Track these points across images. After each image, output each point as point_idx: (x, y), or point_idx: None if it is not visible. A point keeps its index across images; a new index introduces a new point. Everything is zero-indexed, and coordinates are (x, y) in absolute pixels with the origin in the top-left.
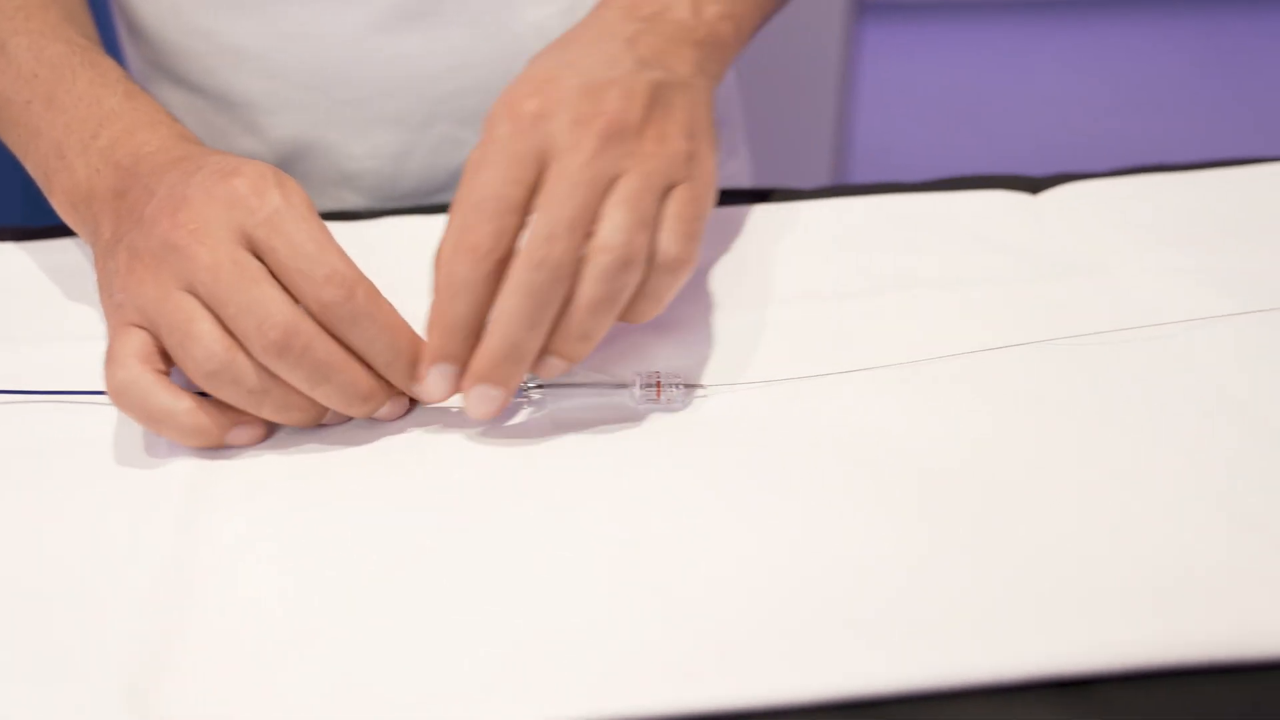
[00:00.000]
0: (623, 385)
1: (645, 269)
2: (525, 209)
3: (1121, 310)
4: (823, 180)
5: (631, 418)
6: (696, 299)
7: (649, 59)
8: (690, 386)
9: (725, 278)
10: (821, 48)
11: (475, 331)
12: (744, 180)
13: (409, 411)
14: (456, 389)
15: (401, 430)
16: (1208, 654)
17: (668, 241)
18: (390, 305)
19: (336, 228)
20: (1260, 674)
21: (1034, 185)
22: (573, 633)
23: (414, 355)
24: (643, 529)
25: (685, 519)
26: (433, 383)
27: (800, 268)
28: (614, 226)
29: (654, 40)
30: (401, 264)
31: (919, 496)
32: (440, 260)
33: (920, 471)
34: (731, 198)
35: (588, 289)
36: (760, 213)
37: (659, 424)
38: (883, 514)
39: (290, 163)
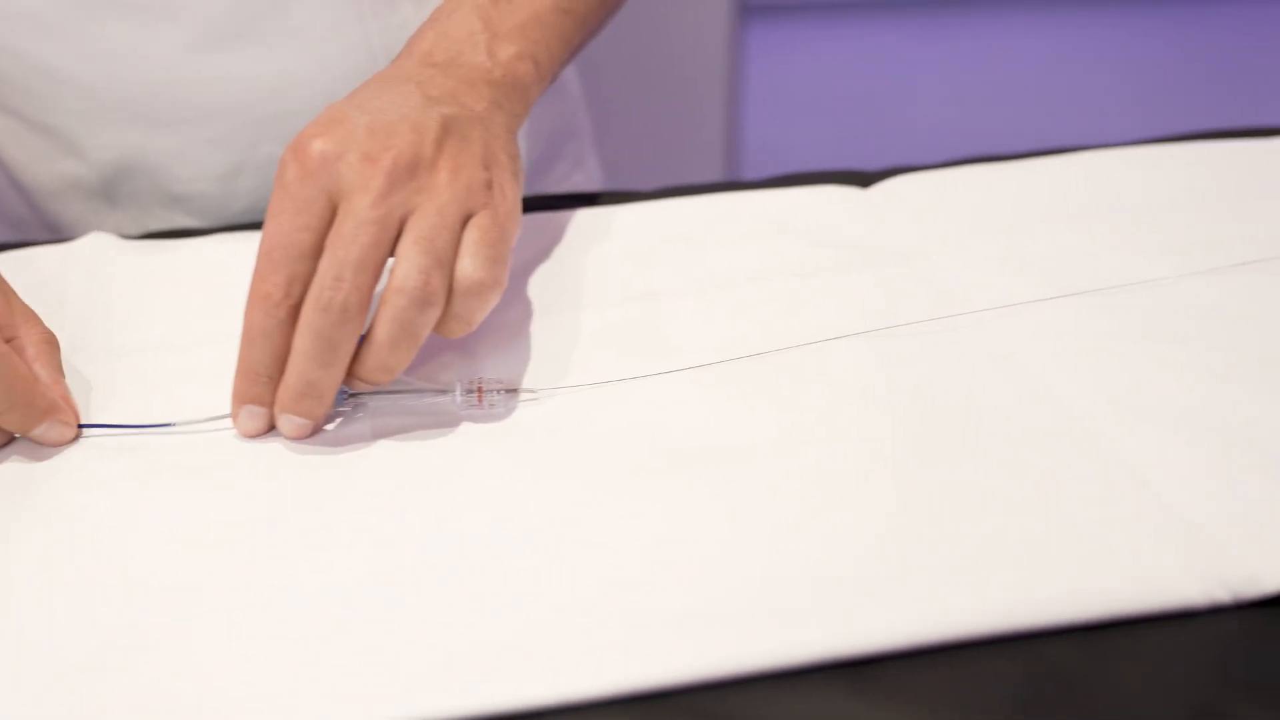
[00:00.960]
0: (445, 391)
1: (446, 300)
2: (317, 252)
3: (939, 298)
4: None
5: (452, 423)
6: (523, 304)
7: (441, 98)
8: (512, 391)
9: (552, 282)
10: (708, 50)
11: (277, 373)
12: (597, 183)
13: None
14: (271, 422)
15: (216, 445)
16: (985, 626)
17: (470, 267)
18: (12, 359)
19: (177, 245)
20: (1030, 641)
21: (865, 179)
22: (383, 636)
23: (29, 406)
24: (459, 533)
25: (502, 523)
26: (244, 421)
27: (628, 269)
28: (409, 267)
29: (447, 82)
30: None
31: (728, 491)
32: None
33: (732, 466)
34: (565, 202)
35: (384, 328)
36: (592, 216)
37: (480, 430)
38: (692, 509)
39: (115, 184)
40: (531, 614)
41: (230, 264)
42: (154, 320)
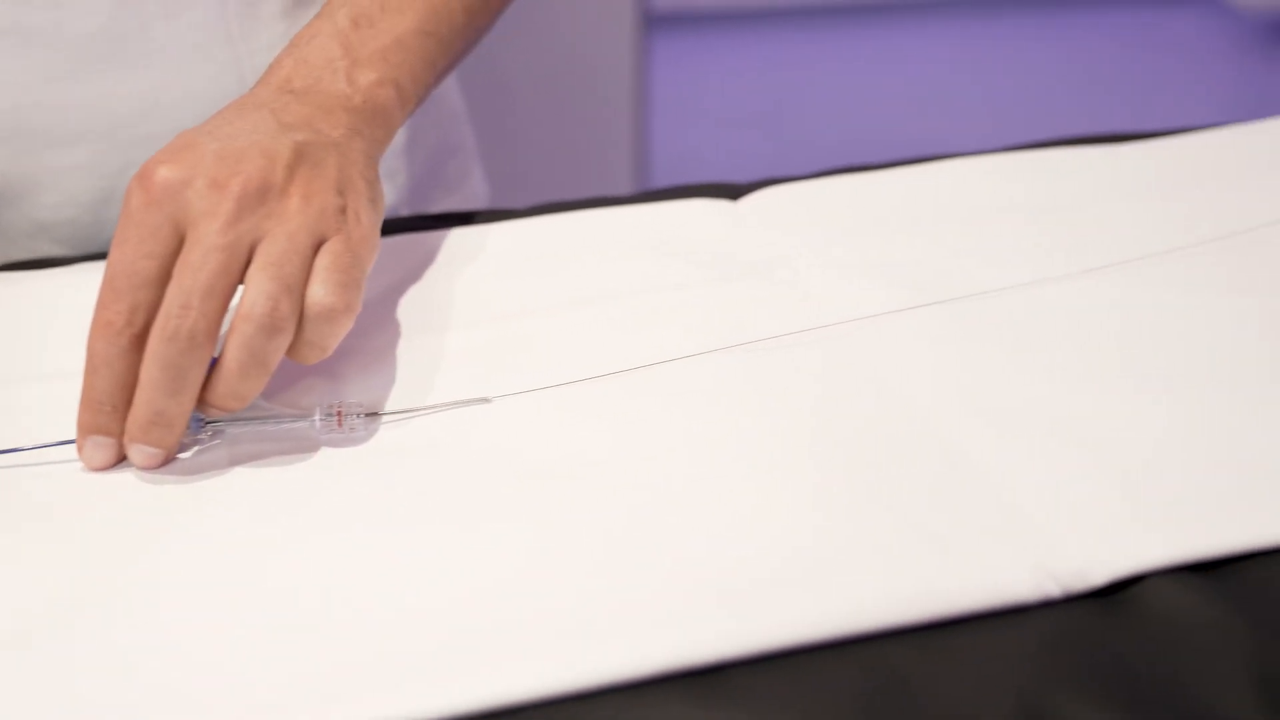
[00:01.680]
0: (304, 416)
1: (298, 325)
2: (164, 280)
3: (802, 308)
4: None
5: (311, 448)
6: (391, 326)
7: (296, 125)
8: (373, 415)
9: (421, 303)
10: (613, 61)
11: (122, 403)
12: (482, 200)
13: None
14: (119, 453)
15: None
16: (825, 631)
17: (321, 293)
18: None
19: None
20: (869, 644)
21: (735, 192)
22: (223, 665)
23: None
24: (314, 558)
25: (357, 548)
26: (89, 453)
27: (497, 288)
28: (257, 293)
29: (303, 109)
30: None
31: (584, 507)
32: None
33: (591, 482)
34: (439, 222)
35: (233, 355)
36: (465, 235)
37: (340, 454)
38: (546, 526)
39: None
40: (382, 637)
41: (94, 294)
42: (12, 352)
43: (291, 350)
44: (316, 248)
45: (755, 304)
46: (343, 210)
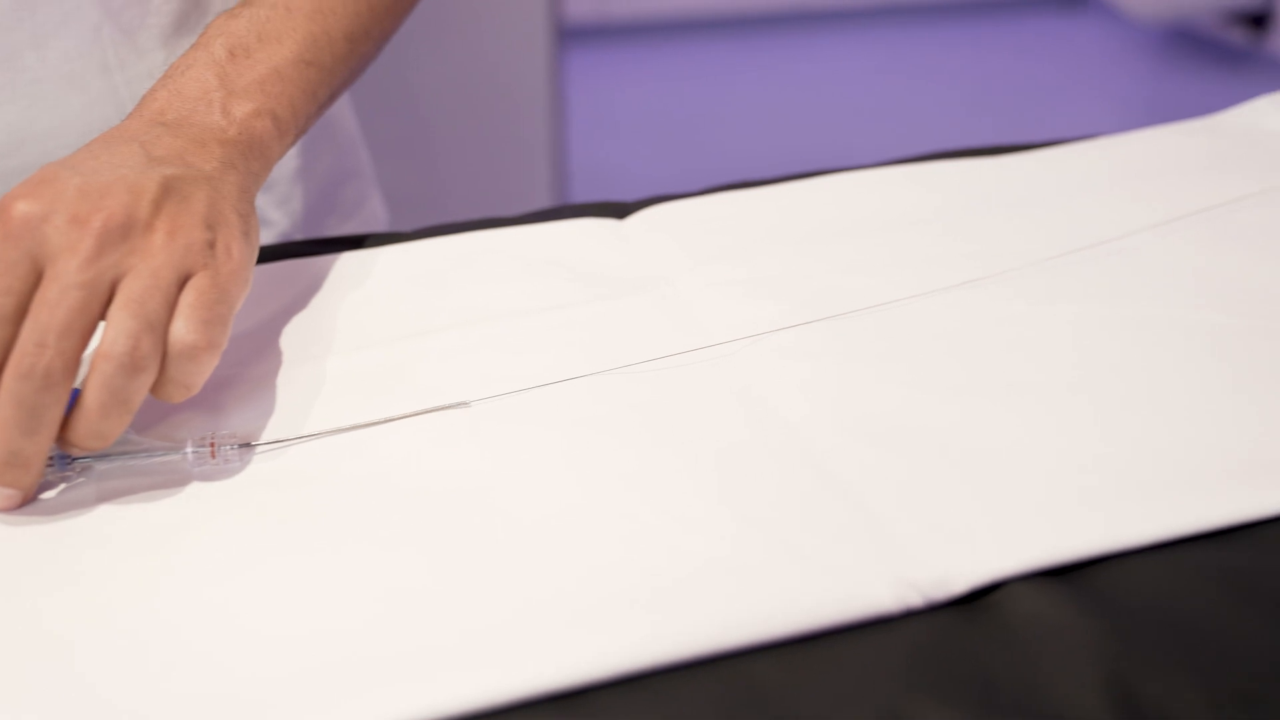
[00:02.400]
0: (176, 449)
1: (161, 363)
2: (20, 317)
3: (684, 325)
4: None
5: (183, 481)
6: (272, 354)
7: (166, 158)
8: (247, 445)
9: (304, 330)
10: (528, 76)
11: None
12: (380, 224)
13: None
14: None
15: None
16: (689, 649)
17: (183, 330)
18: None
19: None
20: (732, 661)
21: (622, 210)
22: (78, 703)
23: None
24: (179, 595)
25: (227, 579)
26: None
27: (381, 312)
28: (117, 332)
29: (175, 142)
30: None
31: (457, 532)
32: None
33: (464, 506)
34: (326, 247)
35: (93, 395)
36: (351, 260)
37: (212, 486)
38: (422, 552)
39: None
40: (253, 667)
41: None
42: None
43: (156, 388)
44: (182, 284)
45: (638, 322)
46: (211, 245)
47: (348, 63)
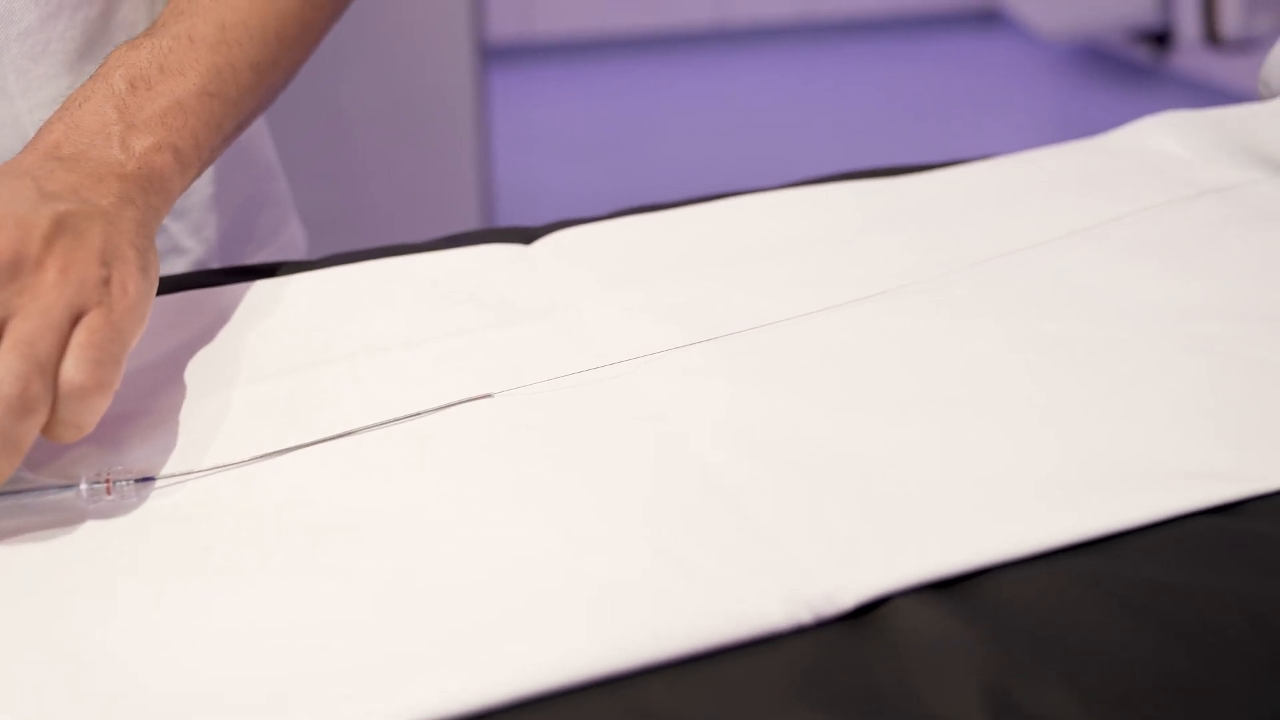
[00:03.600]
0: (71, 485)
1: (51, 404)
2: None
3: (584, 350)
4: (473, 227)
5: (78, 519)
6: (176, 386)
7: (60, 193)
8: (145, 480)
9: (207, 361)
10: (453, 96)
11: None
12: (299, 251)
13: None
14: None
15: None
16: (580, 672)
17: (73, 371)
18: None
19: None
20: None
21: (528, 235)
22: None
23: None
24: (78, 633)
25: (119, 617)
26: None
27: (285, 341)
28: (5, 373)
29: (69, 177)
30: None
31: (356, 557)
32: None
33: (364, 531)
34: (231, 276)
35: None
36: (258, 289)
37: (107, 524)
38: (321, 581)
39: None
40: (148, 705)
41: None
42: None
43: (47, 429)
44: (75, 321)
45: (540, 348)
46: (106, 281)
47: (255, 93)
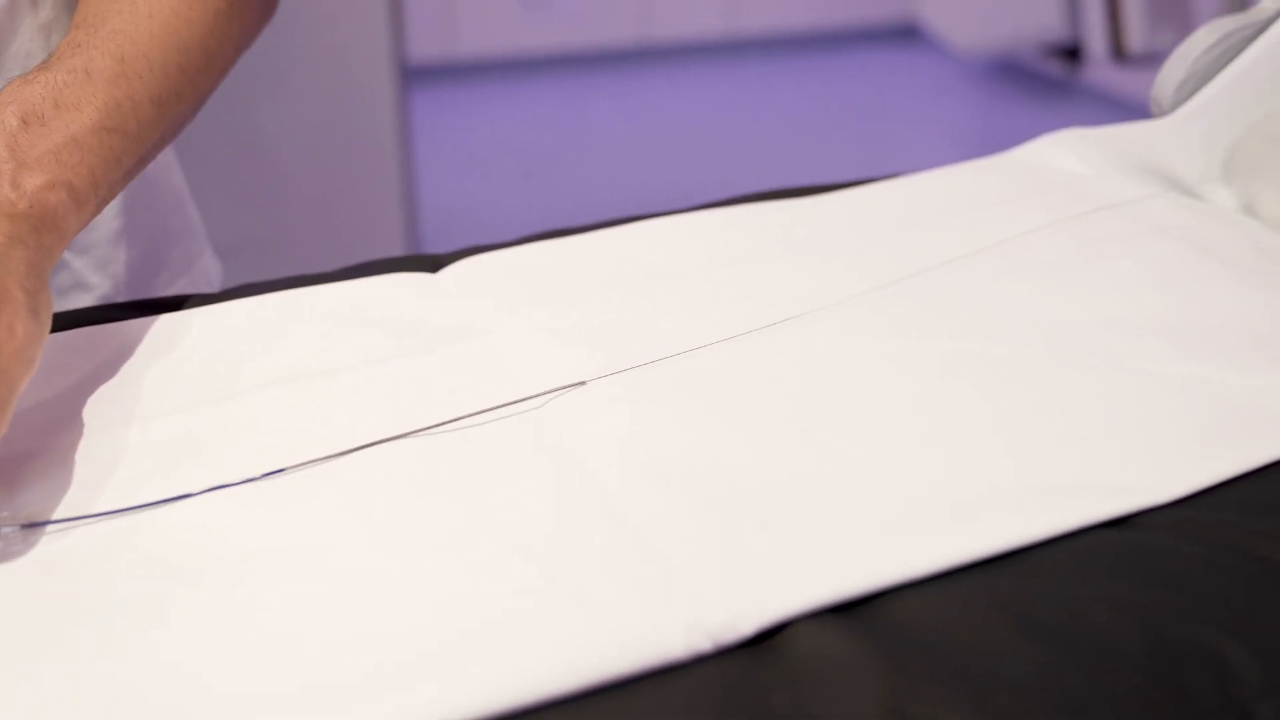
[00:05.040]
0: None
1: None
2: None
3: (495, 378)
4: (397, 251)
5: None
6: (73, 426)
7: None
8: (30, 526)
9: (107, 398)
10: (375, 118)
11: None
12: (213, 283)
13: None
14: None
15: None
16: (479, 708)
17: None
18: None
19: None
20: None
21: (436, 263)
22: None
23: None
24: None
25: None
26: None
27: (186, 377)
28: None
29: None
30: None
31: (252, 601)
32: None
33: (259, 573)
34: (133, 310)
35: None
36: (163, 324)
37: None
38: (212, 626)
39: None
40: None
41: None
42: None
43: None
44: None
45: (448, 376)
46: None
47: (157, 127)
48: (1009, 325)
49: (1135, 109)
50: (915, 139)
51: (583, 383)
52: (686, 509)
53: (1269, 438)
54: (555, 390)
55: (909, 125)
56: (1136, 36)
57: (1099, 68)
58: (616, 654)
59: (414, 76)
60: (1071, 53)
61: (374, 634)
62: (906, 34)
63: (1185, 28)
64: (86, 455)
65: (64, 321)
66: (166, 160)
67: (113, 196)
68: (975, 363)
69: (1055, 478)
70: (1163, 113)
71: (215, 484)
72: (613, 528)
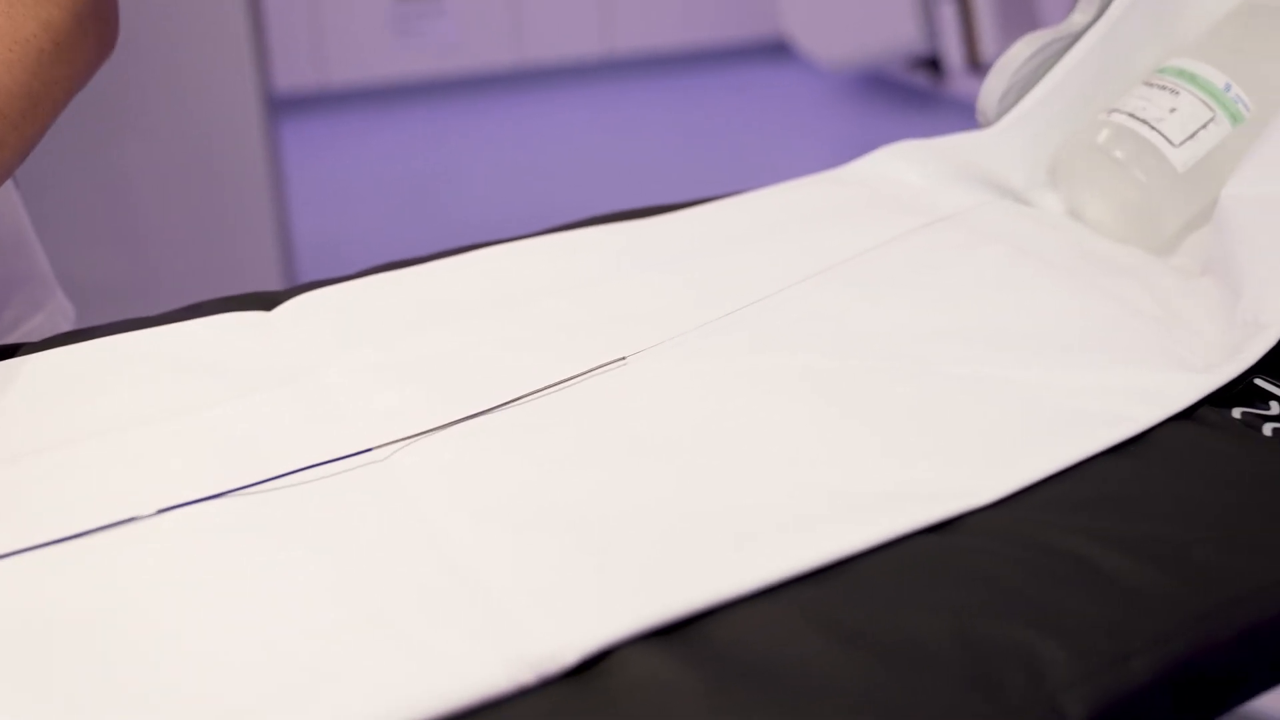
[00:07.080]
0: None
1: None
2: None
3: (324, 418)
4: (275, 285)
5: None
6: None
7: None
8: None
9: None
10: (242, 150)
11: None
12: (66, 326)
13: None
14: None
15: None
16: None
17: None
18: None
19: None
20: None
21: (270, 301)
22: None
23: None
24: None
25: None
26: None
27: (6, 427)
28: None
29: None
30: None
31: (70, 659)
32: None
33: (77, 633)
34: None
35: None
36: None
37: None
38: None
39: None
40: None
41: None
42: None
43: None
44: None
45: (279, 418)
46: None
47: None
48: (837, 340)
49: None
50: (790, 153)
51: (437, 429)
52: (513, 542)
53: (1081, 436)
54: (396, 441)
55: (784, 140)
56: (989, 46)
57: (960, 78)
58: (438, 691)
59: (283, 107)
60: (934, 64)
61: (190, 689)
62: (777, 50)
63: None
64: None
65: None
66: (8, 205)
67: None
68: (803, 379)
69: (880, 488)
70: (989, 123)
71: (19, 546)
72: (440, 565)
